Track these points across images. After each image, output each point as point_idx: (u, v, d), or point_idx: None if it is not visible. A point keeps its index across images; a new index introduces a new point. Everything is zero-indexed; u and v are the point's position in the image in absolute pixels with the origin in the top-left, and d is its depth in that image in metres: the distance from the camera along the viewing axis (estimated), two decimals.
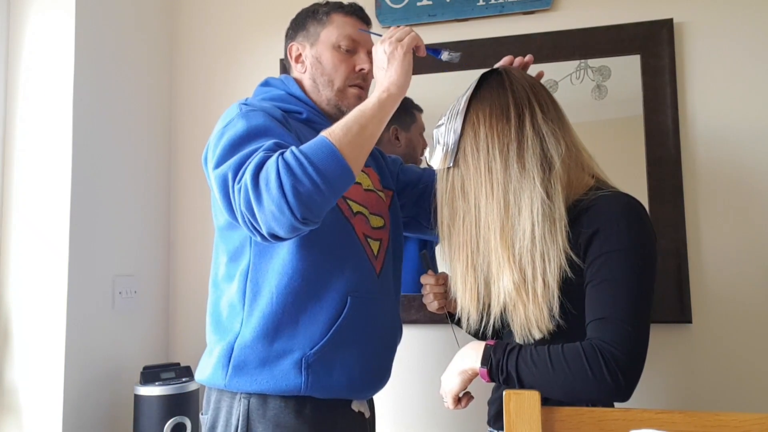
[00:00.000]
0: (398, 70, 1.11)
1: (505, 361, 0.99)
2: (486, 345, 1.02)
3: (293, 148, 1.02)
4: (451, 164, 1.11)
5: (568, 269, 1.00)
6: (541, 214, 1.01)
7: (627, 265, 0.97)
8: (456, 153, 1.10)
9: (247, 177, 1.01)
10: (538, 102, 1.08)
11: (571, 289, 1.00)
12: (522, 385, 0.97)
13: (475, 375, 1.04)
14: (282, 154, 1.01)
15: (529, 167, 1.03)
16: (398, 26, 1.19)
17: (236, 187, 1.04)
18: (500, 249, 1.03)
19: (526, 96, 1.08)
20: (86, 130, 1.66)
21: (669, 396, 1.61)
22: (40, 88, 1.66)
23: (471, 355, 1.04)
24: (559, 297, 1.00)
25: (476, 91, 1.11)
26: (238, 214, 1.05)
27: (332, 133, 1.05)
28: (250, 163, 1.03)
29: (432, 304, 1.29)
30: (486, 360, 1.00)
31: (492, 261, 1.05)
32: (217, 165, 1.09)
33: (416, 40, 1.15)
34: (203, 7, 2.04)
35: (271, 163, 1.00)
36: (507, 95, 1.08)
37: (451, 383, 1.08)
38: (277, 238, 1.05)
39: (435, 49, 1.21)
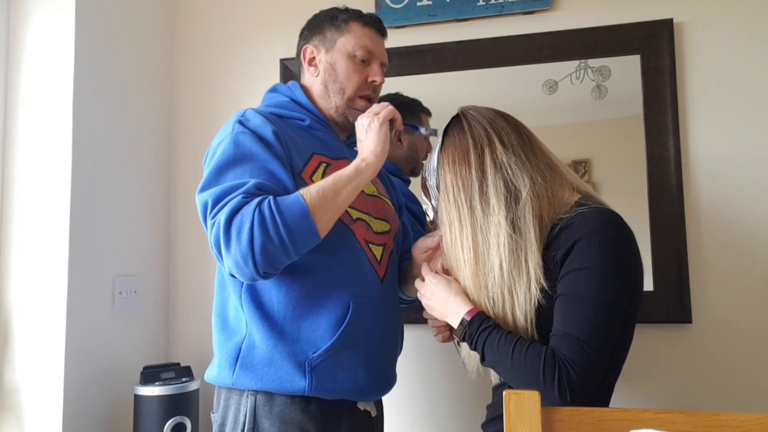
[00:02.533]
0: (375, 141, 1.16)
1: (476, 336, 1.04)
2: (462, 319, 1.06)
3: (271, 200, 1.06)
4: (437, 221, 1.15)
5: (542, 299, 1.00)
6: (507, 248, 1.02)
7: (596, 283, 0.96)
8: (436, 211, 1.14)
9: (221, 217, 1.06)
10: (498, 135, 1.09)
11: (548, 317, 1.01)
12: (483, 361, 1.05)
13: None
14: (260, 205, 1.05)
15: (493, 203, 1.05)
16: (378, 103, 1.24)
17: (210, 221, 1.10)
18: (475, 293, 1.08)
19: (484, 133, 1.09)
20: (86, 130, 1.66)
21: (669, 396, 1.61)
22: (40, 88, 1.65)
23: (453, 319, 1.09)
24: (531, 328, 1.02)
25: (442, 144, 1.14)
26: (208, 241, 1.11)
27: (308, 194, 1.09)
28: (228, 203, 1.07)
29: (437, 337, 1.32)
30: (460, 332, 1.07)
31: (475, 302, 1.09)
32: (202, 189, 1.14)
33: (392, 113, 1.20)
34: (203, 8, 2.04)
35: (247, 212, 1.05)
36: (466, 138, 1.10)
37: (434, 311, 1.15)
38: (236, 278, 1.12)
39: (414, 125, 1.30)
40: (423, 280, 1.18)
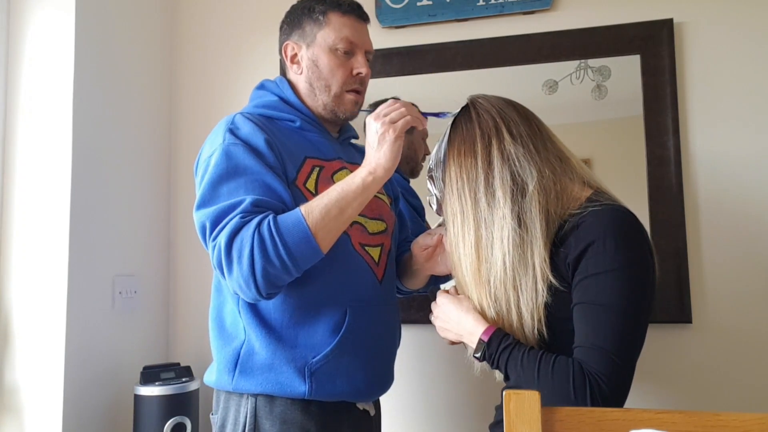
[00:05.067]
0: (387, 155, 1.08)
1: (497, 356, 1.00)
2: (480, 339, 1.02)
3: (270, 220, 1.04)
4: (441, 214, 1.14)
5: (549, 297, 0.97)
6: (511, 243, 0.99)
7: (615, 289, 0.93)
8: (441, 203, 1.13)
9: (222, 241, 1.05)
10: (506, 125, 1.05)
11: (556, 313, 0.98)
12: (507, 379, 1.03)
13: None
14: (259, 227, 1.03)
15: (498, 195, 1.01)
16: (395, 101, 1.13)
17: (211, 243, 1.08)
18: (475, 290, 1.04)
19: (493, 123, 1.06)
20: (86, 129, 1.66)
21: (669, 396, 1.61)
22: (40, 88, 1.65)
23: (469, 339, 1.05)
24: (537, 325, 0.98)
25: (450, 134, 1.11)
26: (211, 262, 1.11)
27: (310, 213, 1.05)
28: (226, 225, 1.06)
29: (446, 339, 1.29)
30: (479, 350, 1.03)
31: (473, 301, 1.06)
32: (199, 207, 1.11)
33: (410, 123, 1.10)
34: (203, 7, 2.04)
35: (246, 235, 1.03)
36: (474, 128, 1.07)
37: (448, 333, 1.11)
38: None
39: (435, 113, 1.19)
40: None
